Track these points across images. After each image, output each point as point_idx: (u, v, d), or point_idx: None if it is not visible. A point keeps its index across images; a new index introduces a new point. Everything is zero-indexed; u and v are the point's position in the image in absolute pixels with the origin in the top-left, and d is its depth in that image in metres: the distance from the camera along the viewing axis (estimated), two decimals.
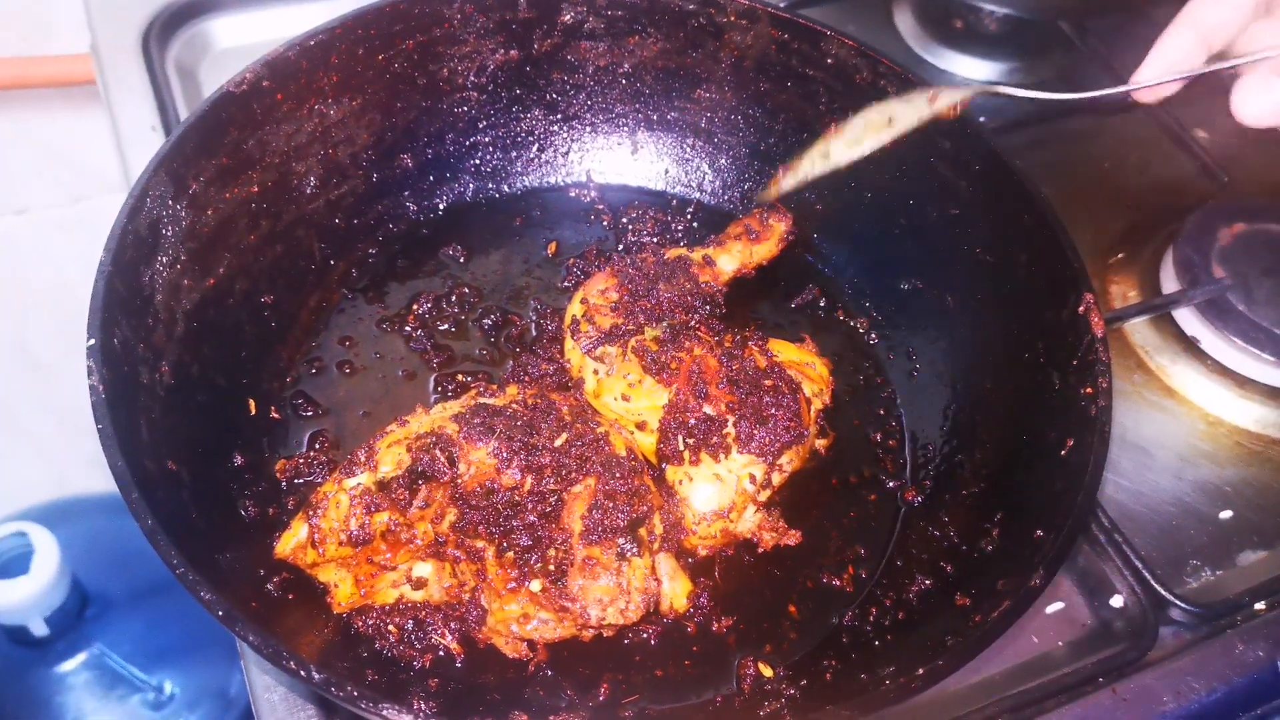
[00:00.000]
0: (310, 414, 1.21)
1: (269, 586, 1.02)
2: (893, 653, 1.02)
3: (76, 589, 1.95)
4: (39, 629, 1.90)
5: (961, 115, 1.20)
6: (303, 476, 1.14)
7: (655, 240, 1.42)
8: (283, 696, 1.06)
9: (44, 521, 1.93)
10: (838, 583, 1.13)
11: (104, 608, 2.02)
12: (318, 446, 1.18)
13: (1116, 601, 1.19)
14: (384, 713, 0.80)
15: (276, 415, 1.20)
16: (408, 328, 1.29)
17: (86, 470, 2.17)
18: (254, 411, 1.18)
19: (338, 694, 0.81)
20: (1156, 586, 1.17)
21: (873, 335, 1.35)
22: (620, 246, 1.41)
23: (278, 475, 1.14)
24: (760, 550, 1.13)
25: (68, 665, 1.96)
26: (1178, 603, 1.17)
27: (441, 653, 1.03)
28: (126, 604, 2.04)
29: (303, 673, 0.81)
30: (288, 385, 1.23)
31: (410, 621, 1.02)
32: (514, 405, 1.08)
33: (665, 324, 1.18)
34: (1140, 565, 1.19)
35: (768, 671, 1.05)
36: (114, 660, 1.98)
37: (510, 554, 1.01)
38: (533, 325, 1.32)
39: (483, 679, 1.03)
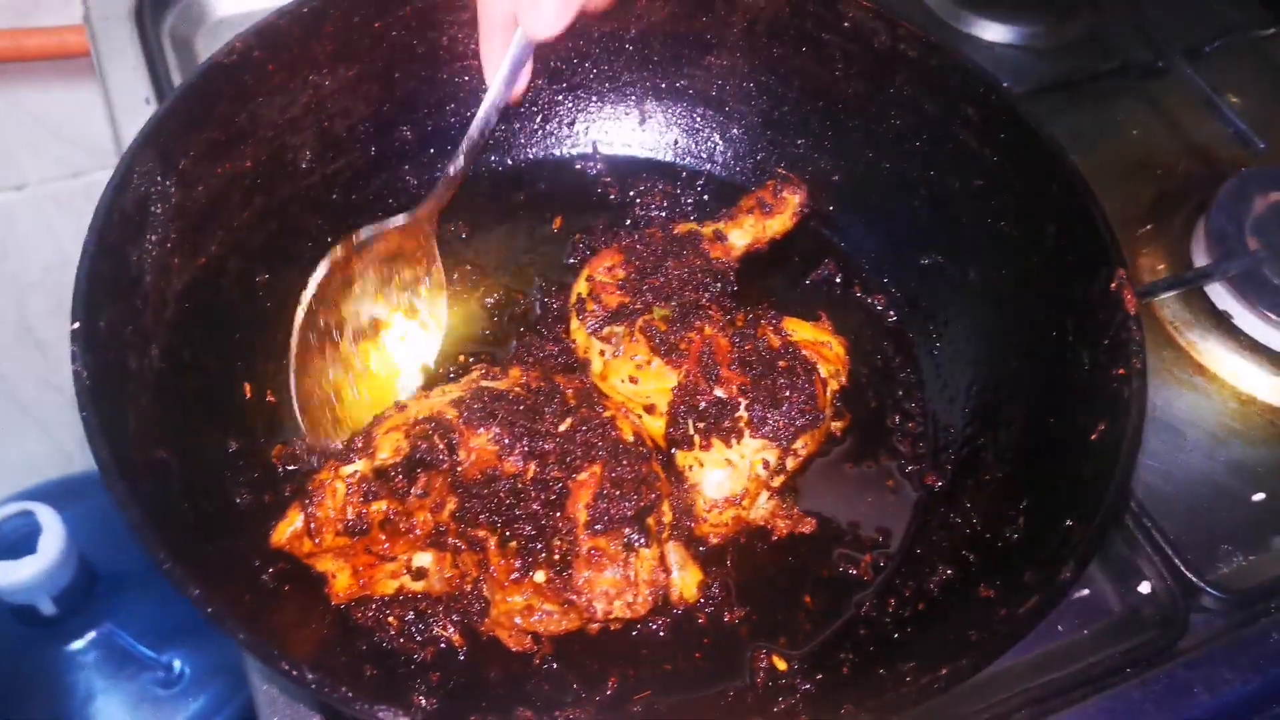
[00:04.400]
0: None
1: (264, 577, 0.98)
2: (912, 646, 0.98)
3: (85, 567, 1.93)
4: (47, 608, 1.88)
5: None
6: (300, 462, 1.10)
7: (664, 214, 1.37)
8: (283, 687, 1.03)
9: (50, 500, 1.91)
10: (854, 571, 1.09)
11: (113, 586, 2.00)
12: None
13: (1145, 588, 1.15)
14: (379, 714, 0.76)
15: (272, 399, 1.16)
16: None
17: (88, 447, 2.15)
18: (249, 395, 1.14)
19: (331, 694, 0.77)
20: (1187, 572, 1.13)
21: (891, 312, 1.30)
22: (628, 221, 1.36)
23: (274, 461, 1.11)
24: (774, 538, 1.08)
25: (77, 644, 1.94)
26: (1209, 589, 1.12)
27: (443, 645, 0.99)
28: (136, 582, 2.02)
29: (295, 673, 0.77)
30: (283, 368, 1.18)
31: (411, 613, 0.99)
32: (516, 389, 1.04)
33: (675, 303, 1.13)
34: (1170, 550, 1.15)
35: (781, 665, 1.01)
36: (124, 639, 1.96)
37: (513, 544, 0.97)
38: (537, 304, 1.27)
39: (486, 672, 0.99)
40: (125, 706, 1.94)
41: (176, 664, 1.97)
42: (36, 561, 1.83)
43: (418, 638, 0.99)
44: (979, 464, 1.13)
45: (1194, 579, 1.12)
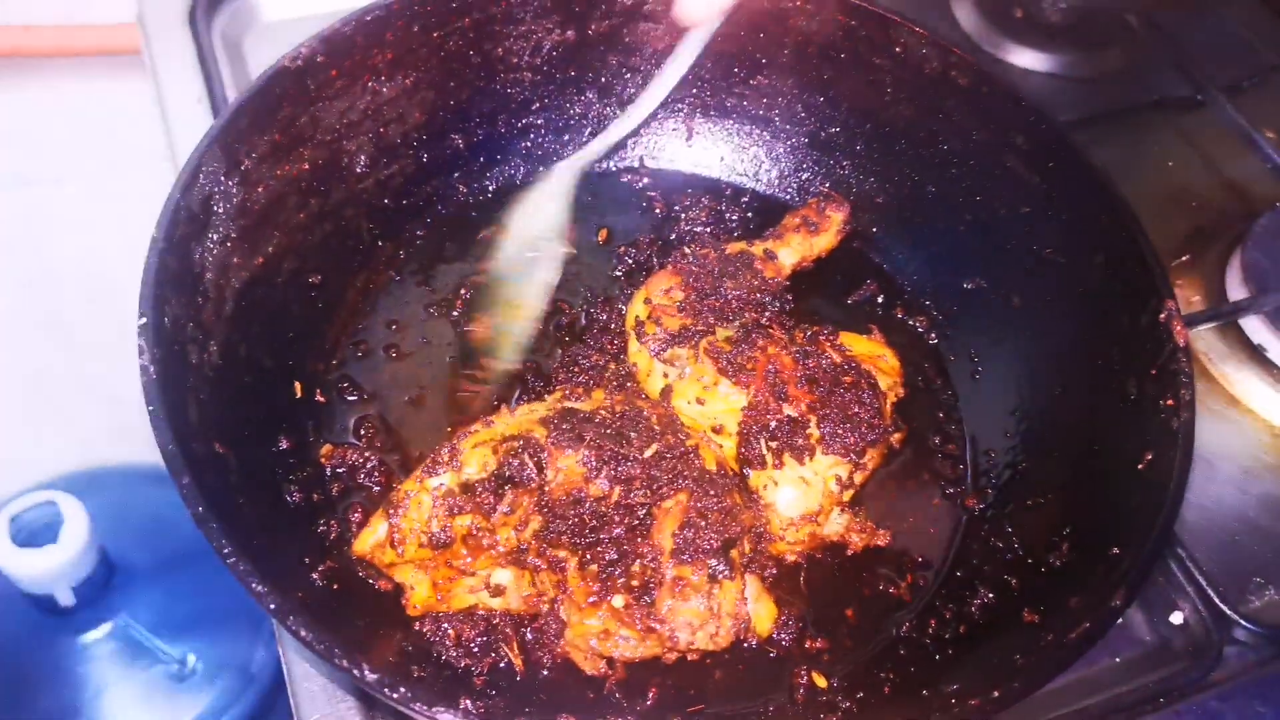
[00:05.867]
0: (355, 398, 1.18)
1: (314, 575, 0.99)
2: (955, 668, 0.98)
3: (103, 559, 1.94)
4: (66, 598, 1.88)
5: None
6: (348, 463, 1.12)
7: (708, 229, 1.38)
8: (322, 686, 1.04)
9: (71, 491, 1.91)
10: (894, 591, 1.10)
11: (129, 579, 2.00)
12: (363, 432, 1.16)
13: (1177, 619, 1.16)
14: (437, 716, 0.77)
15: (322, 399, 1.17)
16: (455, 313, 1.26)
17: (111, 440, 2.15)
18: (300, 394, 1.15)
19: (390, 694, 0.78)
20: (1220, 604, 1.14)
21: (933, 335, 1.31)
22: (673, 235, 1.37)
23: (322, 461, 1.12)
24: (850, 552, 1.09)
25: (93, 635, 1.95)
26: (1243, 622, 1.13)
27: (502, 663, 1.00)
28: (151, 575, 2.03)
29: (355, 671, 0.78)
30: (333, 368, 1.20)
31: (473, 627, 0.99)
32: (602, 412, 1.04)
33: (736, 323, 1.14)
34: (1203, 582, 1.15)
35: (821, 682, 1.02)
36: (138, 631, 1.96)
37: (594, 567, 0.97)
38: (582, 315, 1.28)
39: (529, 678, 1.00)
40: (138, 698, 1.94)
41: (190, 658, 1.98)
42: (59, 551, 1.83)
43: (474, 649, 0.99)
44: (1022, 489, 1.14)
45: (1228, 611, 1.13)
